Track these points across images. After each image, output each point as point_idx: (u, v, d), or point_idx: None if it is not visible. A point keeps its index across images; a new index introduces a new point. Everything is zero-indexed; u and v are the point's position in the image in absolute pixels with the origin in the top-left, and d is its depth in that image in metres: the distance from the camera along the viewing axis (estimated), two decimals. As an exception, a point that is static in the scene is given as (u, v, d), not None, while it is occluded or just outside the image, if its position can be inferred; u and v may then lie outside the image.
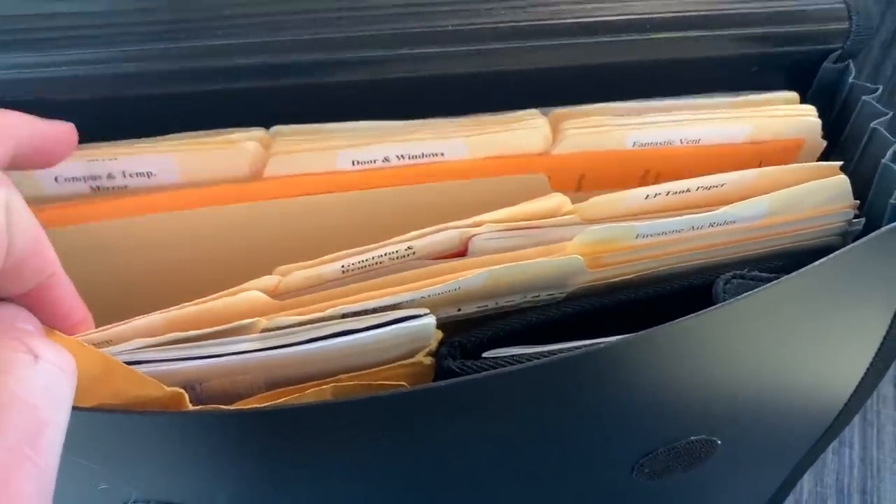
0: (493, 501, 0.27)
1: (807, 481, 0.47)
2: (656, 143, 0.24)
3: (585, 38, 0.25)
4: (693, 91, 0.26)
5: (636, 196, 0.21)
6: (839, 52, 0.28)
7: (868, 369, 0.29)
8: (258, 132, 0.22)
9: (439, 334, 0.21)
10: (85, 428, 0.18)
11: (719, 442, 0.28)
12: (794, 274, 0.21)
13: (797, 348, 0.26)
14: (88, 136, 0.22)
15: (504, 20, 0.24)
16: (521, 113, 0.23)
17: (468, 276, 0.20)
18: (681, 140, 0.24)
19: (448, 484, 0.24)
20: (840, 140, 0.27)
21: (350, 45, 0.23)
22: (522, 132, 0.23)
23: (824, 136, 0.26)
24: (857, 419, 0.49)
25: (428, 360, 0.21)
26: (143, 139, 0.22)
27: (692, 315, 0.19)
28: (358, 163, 0.23)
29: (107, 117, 0.23)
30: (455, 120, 0.23)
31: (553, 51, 0.24)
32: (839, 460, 0.48)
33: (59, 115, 0.20)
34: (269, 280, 0.19)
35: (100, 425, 0.18)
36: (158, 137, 0.22)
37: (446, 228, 0.20)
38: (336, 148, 0.22)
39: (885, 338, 0.28)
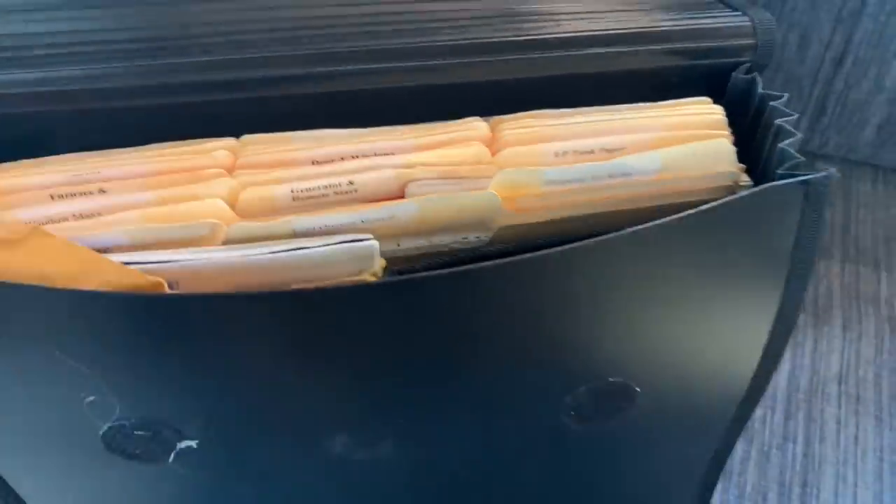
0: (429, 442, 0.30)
1: (750, 475, 0.50)
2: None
3: (522, 55, 0.29)
4: (622, 101, 0.31)
5: (546, 151, 0.26)
6: (748, 64, 0.32)
7: (772, 330, 0.33)
8: (229, 141, 0.27)
9: (383, 262, 0.25)
10: (74, 317, 0.22)
11: (638, 389, 0.31)
12: (675, 216, 0.25)
13: (700, 305, 0.30)
14: (75, 144, 0.25)
15: (448, 39, 0.29)
16: (464, 120, 0.28)
17: (400, 204, 0.24)
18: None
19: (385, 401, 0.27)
20: (752, 142, 0.32)
21: (309, 62, 0.27)
22: (465, 133, 0.27)
23: (738, 141, 0.30)
24: (801, 416, 0.52)
25: (371, 278, 0.25)
26: (125, 149, 0.26)
27: (582, 242, 0.23)
28: (317, 162, 0.27)
29: (90, 128, 0.27)
30: (405, 126, 0.27)
31: (492, 65, 0.29)
32: (782, 455, 0.51)
33: (44, 126, 0.24)
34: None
35: (87, 311, 0.22)
36: (140, 147, 0.26)
37: (382, 167, 0.25)
38: (299, 150, 0.26)
39: (782, 299, 0.31)
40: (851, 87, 0.61)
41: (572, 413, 0.31)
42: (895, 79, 0.60)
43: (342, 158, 0.26)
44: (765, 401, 0.53)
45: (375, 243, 0.24)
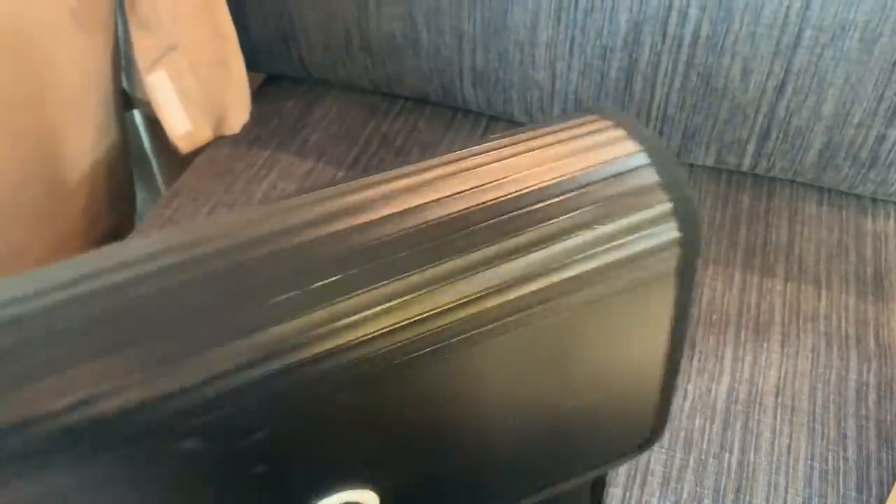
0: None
1: (687, 482, 0.53)
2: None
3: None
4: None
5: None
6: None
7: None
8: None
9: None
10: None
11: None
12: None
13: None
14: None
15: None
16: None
17: None
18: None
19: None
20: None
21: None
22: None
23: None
24: (738, 426, 0.55)
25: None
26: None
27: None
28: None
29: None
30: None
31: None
32: (719, 463, 0.54)
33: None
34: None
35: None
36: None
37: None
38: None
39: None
40: (793, 113, 0.64)
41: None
42: (833, 107, 0.63)
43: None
44: (704, 411, 0.56)
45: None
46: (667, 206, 0.29)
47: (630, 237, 0.29)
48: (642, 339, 0.32)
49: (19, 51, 0.59)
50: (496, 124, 0.78)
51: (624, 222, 0.29)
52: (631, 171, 0.30)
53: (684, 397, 0.56)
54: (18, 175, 0.64)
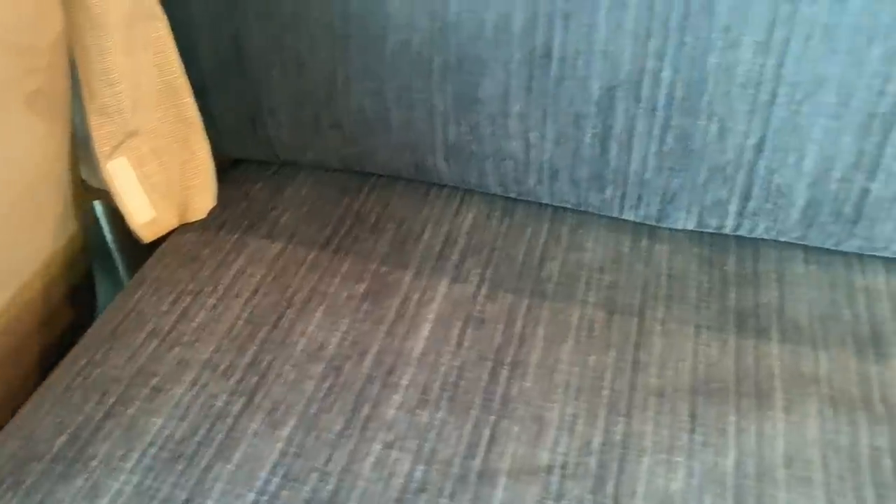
0: None
1: None
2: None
3: None
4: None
5: None
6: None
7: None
8: None
9: None
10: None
11: None
12: None
13: None
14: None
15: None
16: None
17: None
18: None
19: None
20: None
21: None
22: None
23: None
24: (751, 503, 0.51)
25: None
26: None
27: None
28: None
29: None
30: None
31: None
32: None
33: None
34: None
35: None
36: None
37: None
38: None
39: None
40: (774, 171, 0.63)
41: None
42: (813, 162, 0.62)
43: None
44: (713, 489, 0.52)
45: None
46: None
47: None
48: None
49: (-31, 141, 0.57)
50: (471, 197, 0.76)
51: None
52: None
53: (690, 474, 0.53)
54: (-32, 271, 0.60)
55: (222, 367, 0.59)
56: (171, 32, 0.65)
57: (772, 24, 0.57)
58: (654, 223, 0.71)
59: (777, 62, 0.58)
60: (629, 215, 0.71)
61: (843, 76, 0.58)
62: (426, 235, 0.71)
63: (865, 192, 0.63)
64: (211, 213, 0.74)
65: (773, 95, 0.60)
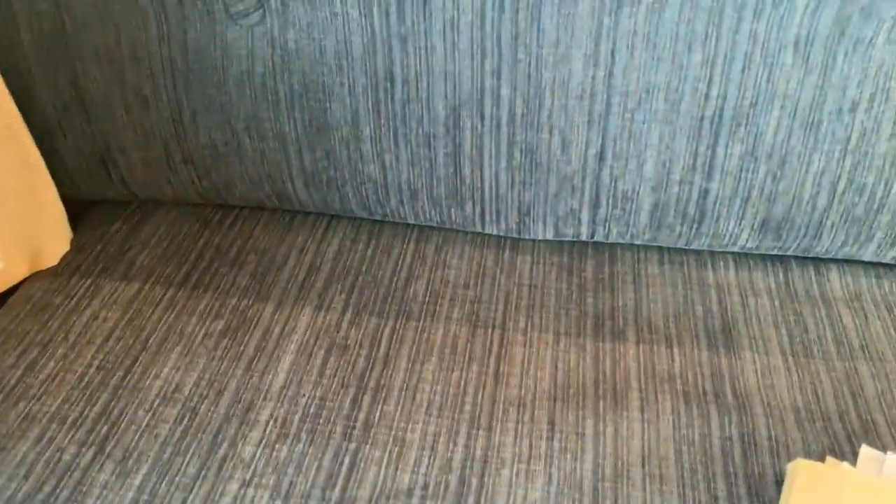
0: None
1: None
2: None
3: None
4: None
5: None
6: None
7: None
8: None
9: None
10: None
11: None
12: None
13: None
14: None
15: None
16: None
17: None
18: None
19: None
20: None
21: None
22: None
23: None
24: (606, 506, 0.52)
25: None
26: None
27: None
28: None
29: None
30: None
31: None
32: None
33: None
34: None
35: None
36: None
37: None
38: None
39: None
40: (617, 178, 0.65)
41: None
42: (653, 167, 0.64)
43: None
44: (571, 494, 0.53)
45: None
46: None
47: None
48: None
49: None
50: (337, 222, 0.75)
51: None
52: None
53: (549, 482, 0.53)
54: None
55: (71, 418, 0.57)
56: (0, 76, 0.63)
57: (597, 36, 0.59)
58: (515, 236, 0.72)
59: (606, 73, 0.60)
60: (491, 229, 0.72)
61: (670, 82, 0.60)
62: (290, 264, 0.70)
63: (705, 192, 0.65)
64: (64, 258, 0.71)
65: (608, 105, 0.62)
